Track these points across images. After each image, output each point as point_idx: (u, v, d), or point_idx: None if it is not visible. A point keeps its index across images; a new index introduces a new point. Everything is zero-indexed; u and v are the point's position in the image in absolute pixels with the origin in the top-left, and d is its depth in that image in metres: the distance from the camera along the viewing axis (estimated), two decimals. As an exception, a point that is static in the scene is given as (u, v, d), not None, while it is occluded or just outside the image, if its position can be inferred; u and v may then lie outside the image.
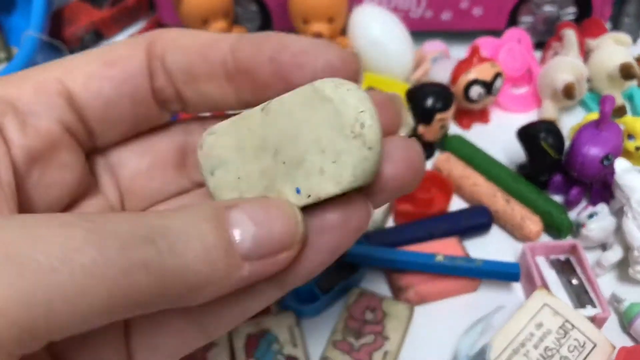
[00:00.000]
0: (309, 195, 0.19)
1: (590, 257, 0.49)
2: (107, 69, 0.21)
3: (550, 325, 0.43)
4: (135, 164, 0.25)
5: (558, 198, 0.54)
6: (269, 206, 0.19)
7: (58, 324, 0.14)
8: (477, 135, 0.60)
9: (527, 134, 0.53)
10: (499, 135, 0.61)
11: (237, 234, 0.18)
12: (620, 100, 0.61)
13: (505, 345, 0.42)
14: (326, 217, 0.19)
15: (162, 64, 0.22)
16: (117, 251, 0.15)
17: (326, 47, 0.21)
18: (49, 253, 0.14)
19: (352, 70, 0.21)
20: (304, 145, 0.19)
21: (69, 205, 0.23)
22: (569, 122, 0.61)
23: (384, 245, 0.49)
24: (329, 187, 0.19)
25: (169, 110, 0.24)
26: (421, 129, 0.56)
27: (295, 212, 0.19)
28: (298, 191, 0.19)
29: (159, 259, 0.16)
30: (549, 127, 0.52)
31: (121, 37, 0.75)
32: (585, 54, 0.64)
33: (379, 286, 0.48)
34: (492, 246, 0.51)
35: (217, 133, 0.22)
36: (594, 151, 0.50)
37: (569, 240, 0.49)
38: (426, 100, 0.55)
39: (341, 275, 0.47)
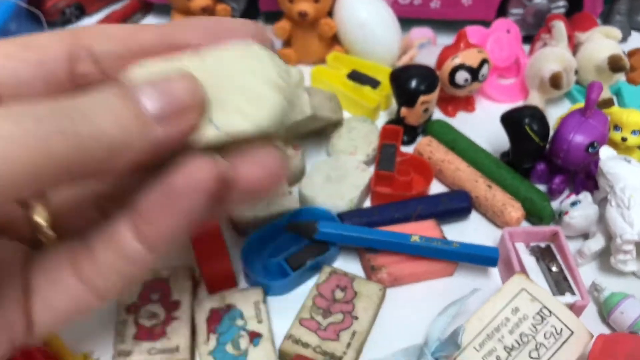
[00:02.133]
0: (227, 132, 0.22)
1: (571, 246, 0.47)
2: (24, 52, 0.23)
3: (527, 311, 0.41)
4: None
5: (541, 187, 0.53)
6: (170, 76, 0.22)
7: None
8: (462, 123, 0.59)
9: (511, 119, 0.51)
10: (483, 124, 0.59)
11: (144, 100, 0.21)
12: (607, 93, 0.60)
13: (479, 329, 0.40)
14: (247, 154, 0.24)
15: (89, 51, 0.24)
16: (33, 123, 0.18)
17: (245, 24, 0.26)
18: None
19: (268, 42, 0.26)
20: (231, 88, 0.23)
21: None
22: (555, 114, 0.60)
23: (359, 226, 0.47)
24: (244, 125, 0.22)
25: None
26: (404, 111, 0.55)
27: (194, 78, 0.22)
28: (217, 128, 0.22)
29: (73, 127, 0.18)
30: (534, 113, 0.51)
31: (102, 14, 0.73)
32: (575, 46, 0.63)
33: (352, 266, 0.46)
34: (471, 232, 0.50)
35: (146, 67, 0.23)
36: (579, 138, 0.49)
37: (549, 227, 0.47)
38: (410, 82, 0.54)
39: (312, 253, 0.45)
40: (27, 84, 0.23)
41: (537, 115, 0.51)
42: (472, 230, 0.50)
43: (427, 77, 0.54)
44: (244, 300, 0.42)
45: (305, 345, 0.40)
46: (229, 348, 0.39)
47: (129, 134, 0.20)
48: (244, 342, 0.40)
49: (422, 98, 0.53)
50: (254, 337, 0.40)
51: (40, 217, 0.24)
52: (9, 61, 0.23)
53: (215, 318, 0.41)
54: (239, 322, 0.41)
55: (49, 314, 0.23)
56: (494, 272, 0.47)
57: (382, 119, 0.60)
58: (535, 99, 0.60)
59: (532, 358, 0.39)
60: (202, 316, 0.41)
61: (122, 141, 0.20)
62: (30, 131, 0.17)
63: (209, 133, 0.22)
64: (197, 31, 0.25)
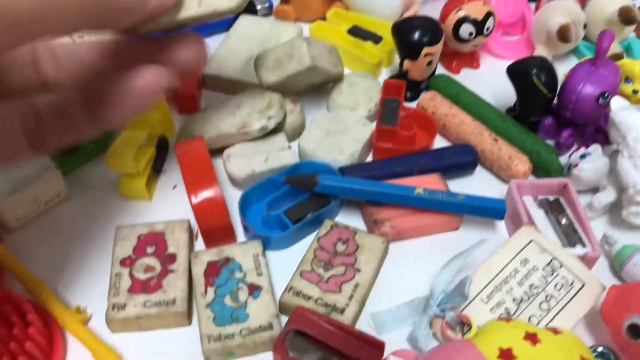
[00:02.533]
0: (207, 7, 0.32)
1: (581, 200, 0.45)
2: None
3: (536, 262, 0.39)
4: None
5: (549, 142, 0.51)
6: None
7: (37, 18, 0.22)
8: (466, 80, 0.56)
9: (518, 70, 0.49)
10: (488, 81, 0.57)
11: None
12: (617, 48, 0.58)
13: (487, 280, 0.39)
14: None
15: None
16: None
17: None
18: None
19: None
20: None
21: None
22: (562, 70, 0.57)
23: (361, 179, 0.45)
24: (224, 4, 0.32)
25: None
26: (407, 64, 0.53)
27: None
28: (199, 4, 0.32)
29: None
30: (541, 64, 0.49)
31: None
32: (583, 0, 0.61)
33: (354, 220, 0.45)
34: (477, 187, 0.48)
35: None
36: (589, 89, 0.47)
37: (559, 179, 0.46)
38: (413, 33, 0.52)
39: (313, 207, 0.44)
40: None
41: (545, 66, 0.49)
42: (478, 185, 0.48)
43: (431, 28, 0.52)
44: (243, 253, 0.41)
45: (307, 297, 0.38)
46: (228, 300, 0.38)
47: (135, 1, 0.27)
48: (243, 295, 0.38)
49: (425, 50, 0.52)
50: (254, 289, 0.39)
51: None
52: None
53: (213, 271, 0.40)
54: (238, 275, 0.39)
55: None
56: (501, 225, 0.46)
57: (384, 75, 0.58)
58: (541, 54, 0.58)
59: (542, 310, 0.38)
60: (199, 269, 0.40)
61: (130, 6, 0.27)
62: None
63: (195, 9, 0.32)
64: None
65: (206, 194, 0.41)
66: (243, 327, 0.36)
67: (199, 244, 0.43)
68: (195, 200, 0.40)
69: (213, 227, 0.41)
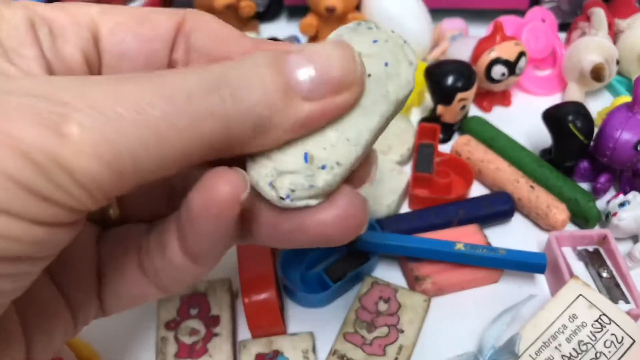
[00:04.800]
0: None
1: (620, 249, 0.45)
2: (136, 25, 0.22)
3: (585, 318, 0.39)
4: None
5: (585, 186, 0.51)
6: (328, 47, 0.19)
7: (141, 168, 0.17)
8: (498, 118, 0.57)
9: (554, 117, 0.49)
10: (521, 119, 0.57)
11: (296, 76, 0.19)
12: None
13: (535, 336, 0.39)
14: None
15: (186, 40, 0.23)
16: (184, 102, 0.17)
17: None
18: (127, 107, 0.16)
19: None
20: None
21: None
22: (595, 107, 0.57)
23: (398, 232, 0.45)
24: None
25: None
26: (440, 109, 0.53)
27: (355, 52, 0.19)
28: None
29: (222, 106, 0.17)
30: (578, 109, 0.49)
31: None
32: (615, 34, 0.60)
33: (393, 276, 0.45)
34: (515, 235, 0.48)
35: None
36: (626, 136, 0.46)
37: (598, 230, 0.46)
38: (446, 78, 0.52)
39: (352, 264, 0.44)
40: (129, 58, 0.22)
41: (581, 112, 0.49)
42: (515, 234, 0.48)
43: (464, 72, 0.52)
44: (292, 347, 0.39)
45: (351, 361, 0.39)
46: None
47: (275, 113, 0.18)
48: None
49: (459, 95, 0.51)
50: None
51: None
52: (120, 29, 0.22)
53: None
54: None
55: (116, 301, 0.24)
56: (541, 278, 0.45)
57: (414, 116, 0.58)
58: (574, 92, 0.58)
59: (591, 369, 0.37)
60: None
61: (268, 121, 0.18)
62: (181, 111, 0.17)
63: None
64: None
65: (260, 296, 0.39)
66: None
67: (239, 307, 0.43)
68: (248, 301, 0.39)
69: (263, 324, 0.40)
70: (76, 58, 0.21)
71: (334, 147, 0.20)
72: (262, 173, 0.20)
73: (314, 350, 0.40)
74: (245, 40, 0.23)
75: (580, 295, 0.40)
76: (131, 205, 0.25)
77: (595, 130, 0.49)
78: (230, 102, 0.17)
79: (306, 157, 0.19)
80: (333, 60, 0.19)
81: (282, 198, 0.20)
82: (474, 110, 0.59)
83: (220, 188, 0.18)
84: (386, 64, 0.20)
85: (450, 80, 0.51)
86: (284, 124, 0.18)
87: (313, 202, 0.20)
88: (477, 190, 0.51)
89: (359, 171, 0.22)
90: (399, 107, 0.21)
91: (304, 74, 0.19)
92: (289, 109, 0.18)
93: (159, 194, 0.26)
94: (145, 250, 0.23)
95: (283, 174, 0.20)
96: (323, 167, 0.20)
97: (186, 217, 0.20)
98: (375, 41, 0.21)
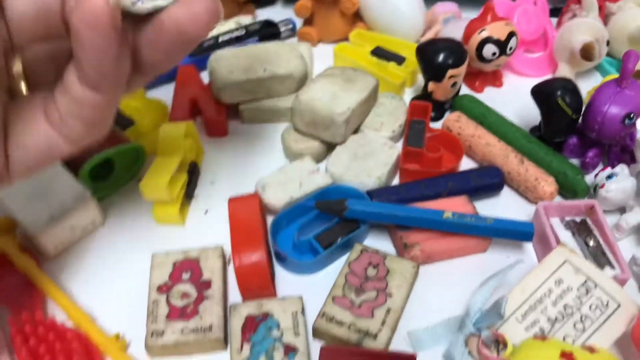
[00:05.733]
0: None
1: (608, 220, 0.46)
2: None
3: (571, 283, 0.40)
4: None
5: (574, 162, 0.51)
6: None
7: None
8: (490, 99, 0.57)
9: (542, 92, 0.50)
10: (511, 99, 0.58)
11: None
12: (641, 65, 0.58)
13: (522, 300, 0.39)
14: None
15: None
16: None
17: None
18: None
19: None
20: None
21: None
22: (585, 87, 0.58)
23: (389, 203, 0.46)
24: None
25: None
26: (432, 86, 0.53)
27: None
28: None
29: None
30: (566, 85, 0.49)
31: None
32: (605, 17, 0.61)
33: (383, 245, 0.46)
34: (504, 208, 0.48)
35: None
36: (614, 110, 0.47)
37: (585, 200, 0.46)
38: (437, 56, 0.52)
39: (343, 231, 0.44)
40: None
41: (569, 88, 0.49)
42: (504, 206, 0.49)
43: (455, 50, 0.53)
44: (282, 309, 0.40)
45: (340, 323, 0.39)
46: (263, 359, 0.38)
47: None
48: (278, 355, 0.38)
49: (450, 72, 0.52)
50: (290, 351, 0.38)
51: (18, 67, 0.24)
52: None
53: (251, 326, 0.39)
54: (275, 333, 0.39)
55: (23, 153, 0.25)
56: (528, 247, 0.46)
57: (407, 95, 0.59)
58: (564, 72, 0.59)
59: (577, 330, 0.38)
60: (237, 322, 0.39)
61: None
62: None
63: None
64: None
65: (250, 257, 0.40)
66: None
67: (231, 273, 0.44)
68: (238, 263, 0.40)
69: (253, 287, 0.41)
70: None
71: None
72: None
73: (303, 312, 0.40)
74: None
75: (566, 260, 0.41)
76: (39, 78, 0.26)
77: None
78: None
79: None
80: None
81: (133, 3, 0.22)
82: (465, 91, 0.59)
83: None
84: None
85: (441, 57, 0.52)
86: None
87: (161, 2, 0.22)
88: (467, 165, 0.52)
89: None
90: None
91: None
92: None
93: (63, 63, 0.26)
94: (50, 98, 0.24)
95: None
96: None
97: (72, 38, 0.21)
98: None
